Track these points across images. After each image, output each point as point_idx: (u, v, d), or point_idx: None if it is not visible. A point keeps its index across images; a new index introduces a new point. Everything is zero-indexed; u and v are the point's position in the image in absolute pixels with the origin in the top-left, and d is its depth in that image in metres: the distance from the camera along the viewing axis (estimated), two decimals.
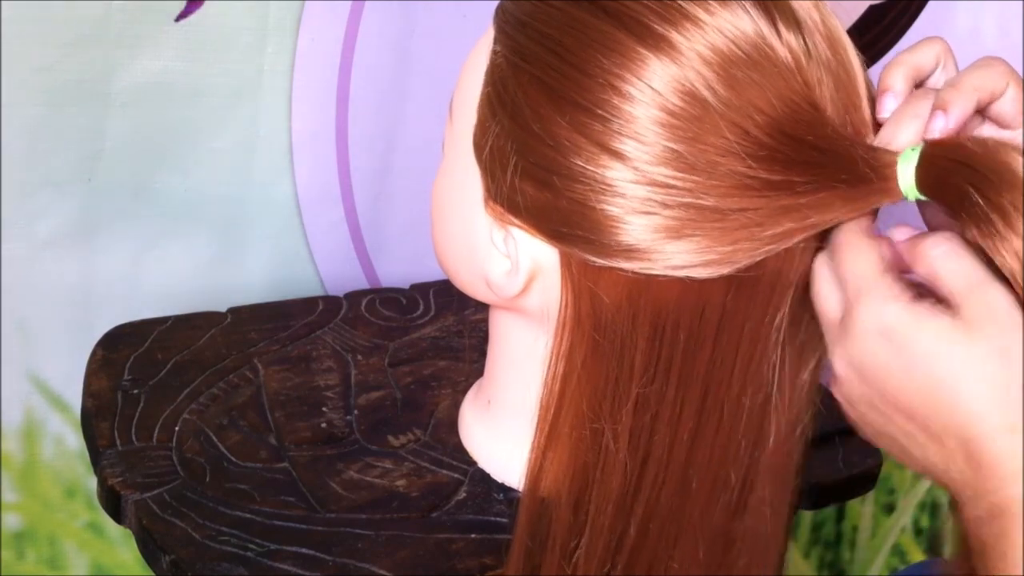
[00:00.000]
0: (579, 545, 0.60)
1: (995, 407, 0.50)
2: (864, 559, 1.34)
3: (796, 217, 0.54)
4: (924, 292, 0.52)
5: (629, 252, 0.55)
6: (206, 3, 0.85)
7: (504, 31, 0.59)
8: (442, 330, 0.85)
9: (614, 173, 0.54)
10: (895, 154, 0.54)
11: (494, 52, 0.59)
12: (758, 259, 0.55)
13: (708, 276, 0.55)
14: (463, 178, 0.61)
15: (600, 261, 0.56)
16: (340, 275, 1.01)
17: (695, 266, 0.55)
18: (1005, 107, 0.54)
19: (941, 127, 0.53)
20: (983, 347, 0.50)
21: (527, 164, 0.56)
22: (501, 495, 0.70)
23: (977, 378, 0.50)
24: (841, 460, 0.78)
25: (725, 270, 0.55)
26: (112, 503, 0.69)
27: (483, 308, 0.71)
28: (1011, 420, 0.50)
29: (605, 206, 0.54)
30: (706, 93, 0.53)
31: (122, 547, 1.07)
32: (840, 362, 0.54)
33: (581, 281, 0.57)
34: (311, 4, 0.89)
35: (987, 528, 0.51)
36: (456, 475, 0.72)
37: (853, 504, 1.30)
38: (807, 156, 0.53)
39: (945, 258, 0.51)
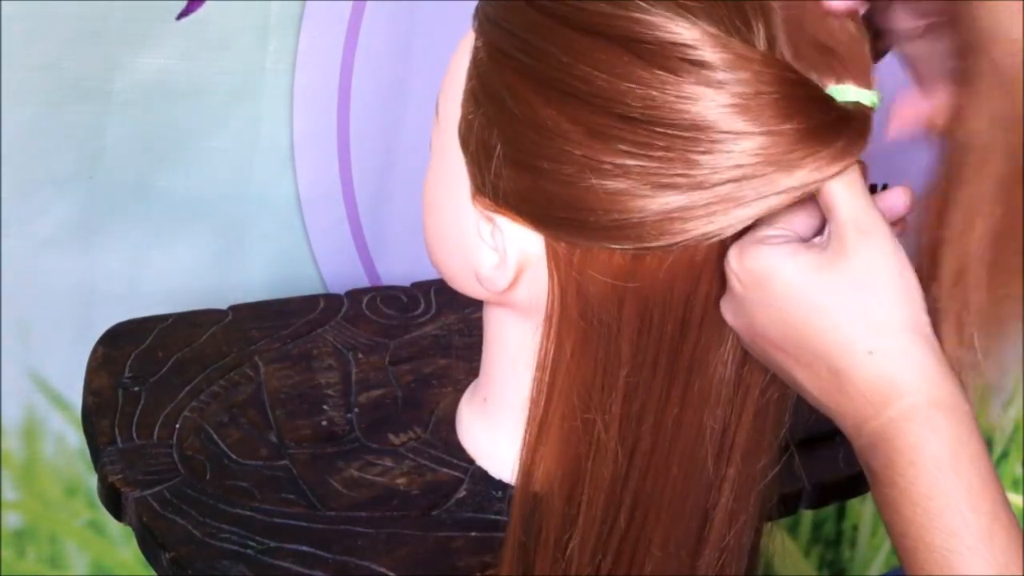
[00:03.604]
0: (572, 537, 0.60)
1: (856, 333, 0.51)
2: (864, 558, 1.34)
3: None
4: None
5: (623, 229, 0.55)
6: (207, 2, 0.85)
7: (482, 29, 0.60)
8: (443, 328, 0.86)
9: (604, 155, 0.54)
10: (869, 108, 0.54)
11: (476, 48, 0.60)
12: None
13: (704, 242, 0.55)
14: (450, 175, 0.62)
15: (590, 244, 0.56)
16: (341, 273, 1.01)
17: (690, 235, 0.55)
18: None
19: None
20: (842, 275, 0.51)
21: (513, 151, 0.57)
22: (500, 493, 0.70)
23: (837, 306, 0.51)
24: (841, 459, 0.78)
25: (716, 237, 0.55)
26: (112, 500, 0.69)
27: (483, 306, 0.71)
28: (871, 344, 0.51)
29: (603, 181, 0.54)
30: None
31: (123, 546, 1.07)
32: (723, 306, 0.56)
33: (567, 270, 0.58)
34: (312, 3, 0.89)
35: (873, 458, 0.52)
36: (456, 473, 0.72)
37: (853, 503, 1.30)
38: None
39: (838, 188, 0.53)
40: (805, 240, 0.55)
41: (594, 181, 0.54)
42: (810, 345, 0.52)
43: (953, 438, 0.50)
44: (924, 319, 0.52)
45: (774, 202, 0.53)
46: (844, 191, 0.53)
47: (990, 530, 0.49)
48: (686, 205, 0.53)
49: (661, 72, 0.52)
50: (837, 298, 0.51)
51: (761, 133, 0.52)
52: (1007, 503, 0.50)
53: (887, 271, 0.52)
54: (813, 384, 0.53)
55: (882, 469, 0.51)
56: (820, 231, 0.55)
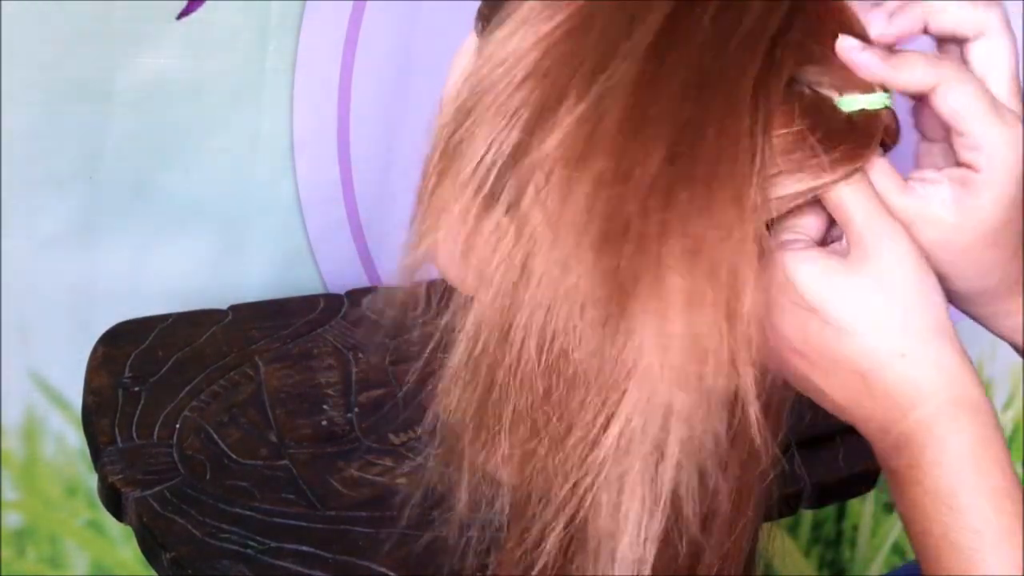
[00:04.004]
0: (574, 538, 0.60)
1: (883, 337, 0.51)
2: (864, 558, 1.34)
3: None
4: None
5: None
6: (207, 1, 0.85)
7: (482, 33, 0.59)
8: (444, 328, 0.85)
9: None
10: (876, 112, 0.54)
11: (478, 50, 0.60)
12: None
13: None
14: None
15: None
16: (341, 273, 1.01)
17: None
18: (978, 55, 0.54)
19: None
20: (866, 279, 0.51)
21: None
22: (500, 493, 0.70)
23: (864, 310, 0.51)
24: (841, 459, 0.78)
25: None
26: (113, 500, 0.69)
27: None
28: (899, 347, 0.51)
29: None
30: None
31: (123, 545, 1.07)
32: None
33: None
34: (312, 3, 0.89)
35: (896, 460, 0.52)
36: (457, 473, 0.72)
37: (853, 503, 1.30)
38: None
39: (847, 195, 0.52)
40: (818, 242, 0.55)
41: None
42: (833, 349, 0.52)
43: (979, 439, 0.50)
44: (947, 321, 0.52)
45: (775, 207, 0.53)
46: (854, 197, 0.52)
47: (1013, 529, 0.49)
48: None
49: None
50: (863, 302, 0.51)
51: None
52: None
53: (910, 274, 0.52)
54: (834, 389, 0.53)
55: (906, 469, 0.51)
56: (829, 231, 0.55)
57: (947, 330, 0.52)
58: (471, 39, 0.61)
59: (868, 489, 0.82)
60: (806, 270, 0.52)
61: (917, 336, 0.51)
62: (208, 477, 0.70)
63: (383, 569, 0.65)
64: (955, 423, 0.50)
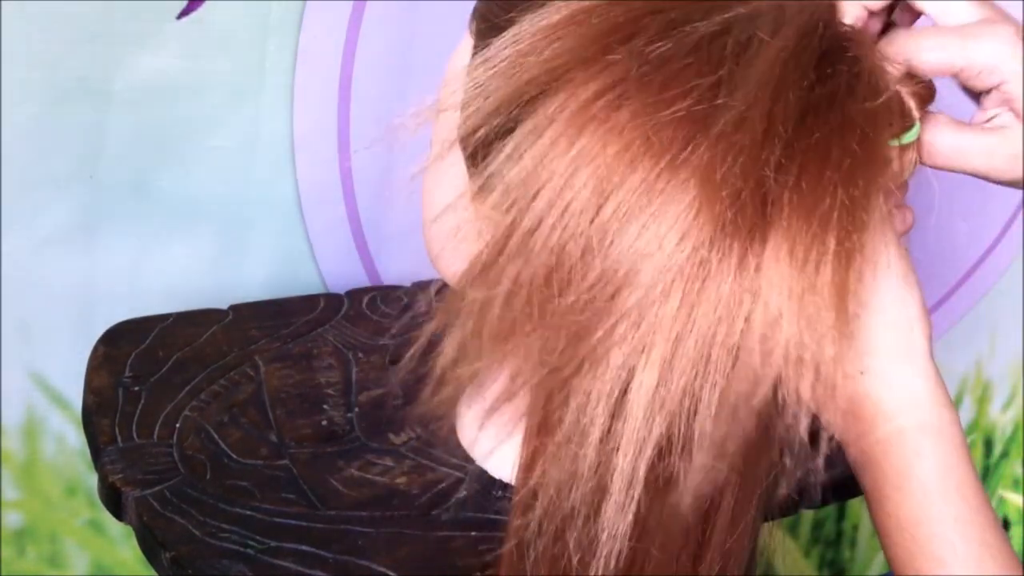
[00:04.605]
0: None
1: (852, 353, 0.51)
2: (864, 558, 1.34)
3: None
4: None
5: None
6: (207, 1, 0.85)
7: (480, 31, 0.59)
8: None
9: None
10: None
11: (475, 49, 0.60)
12: None
13: None
14: (450, 175, 0.62)
15: None
16: (341, 273, 1.01)
17: None
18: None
19: None
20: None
21: None
22: (500, 492, 0.70)
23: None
24: (841, 459, 0.78)
25: None
26: (113, 500, 0.69)
27: None
28: (864, 364, 0.51)
29: None
30: None
31: (123, 545, 1.07)
32: None
33: None
34: (312, 3, 0.89)
35: (862, 476, 0.52)
36: (457, 473, 0.72)
37: (853, 503, 1.30)
38: None
39: None
40: None
41: None
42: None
43: (940, 464, 0.50)
44: (922, 343, 0.52)
45: None
46: None
47: (980, 559, 0.49)
48: None
49: None
50: None
51: None
52: (998, 528, 0.50)
53: (892, 294, 0.52)
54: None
55: (871, 491, 0.52)
56: None
57: (919, 352, 0.52)
58: (467, 40, 0.61)
59: None
60: None
61: (885, 357, 0.51)
62: (208, 477, 0.70)
63: (383, 569, 0.65)
64: (916, 447, 0.50)
